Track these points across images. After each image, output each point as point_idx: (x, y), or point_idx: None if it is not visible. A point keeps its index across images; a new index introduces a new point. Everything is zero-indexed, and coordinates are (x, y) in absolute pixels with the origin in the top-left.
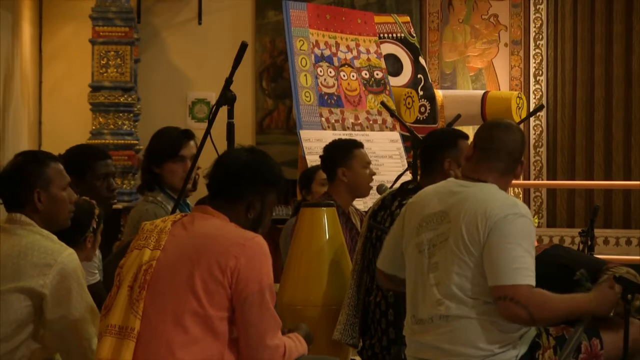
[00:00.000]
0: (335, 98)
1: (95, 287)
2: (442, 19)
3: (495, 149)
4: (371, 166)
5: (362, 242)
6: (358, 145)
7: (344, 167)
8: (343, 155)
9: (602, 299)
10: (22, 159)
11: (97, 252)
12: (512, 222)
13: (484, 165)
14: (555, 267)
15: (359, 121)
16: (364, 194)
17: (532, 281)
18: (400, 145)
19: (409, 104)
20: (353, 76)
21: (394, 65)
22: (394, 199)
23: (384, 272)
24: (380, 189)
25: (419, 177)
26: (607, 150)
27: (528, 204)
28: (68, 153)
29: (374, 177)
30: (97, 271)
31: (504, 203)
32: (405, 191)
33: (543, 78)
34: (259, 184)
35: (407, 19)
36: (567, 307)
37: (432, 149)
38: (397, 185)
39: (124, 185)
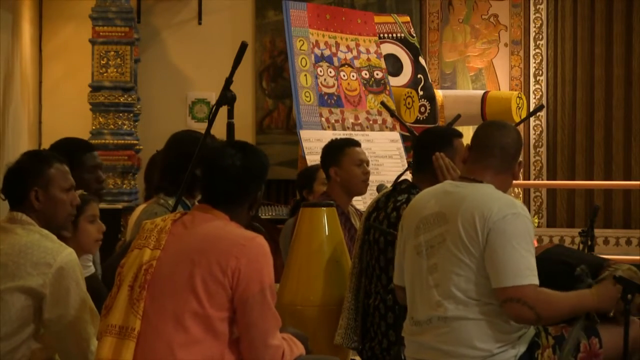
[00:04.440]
0: (335, 98)
1: (89, 280)
2: (442, 19)
3: (488, 145)
4: (371, 166)
5: (359, 245)
6: (351, 143)
7: (335, 166)
8: (334, 154)
9: (605, 294)
10: (25, 157)
11: None
12: (512, 222)
13: (479, 164)
14: (556, 264)
15: (359, 121)
16: (358, 192)
17: (535, 280)
18: (400, 145)
19: (409, 104)
20: (353, 76)
21: (394, 65)
22: (388, 200)
23: (400, 286)
24: (380, 188)
25: (412, 177)
26: (607, 150)
27: (528, 204)
28: (54, 147)
29: (373, 177)
30: (90, 263)
31: (501, 203)
32: (398, 192)
33: (543, 78)
34: (258, 181)
35: (407, 19)
36: (571, 304)
37: (426, 148)
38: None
39: (124, 185)
